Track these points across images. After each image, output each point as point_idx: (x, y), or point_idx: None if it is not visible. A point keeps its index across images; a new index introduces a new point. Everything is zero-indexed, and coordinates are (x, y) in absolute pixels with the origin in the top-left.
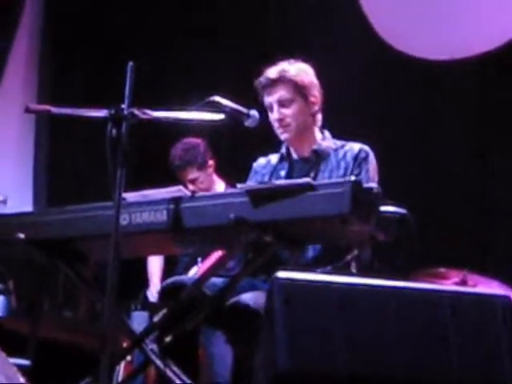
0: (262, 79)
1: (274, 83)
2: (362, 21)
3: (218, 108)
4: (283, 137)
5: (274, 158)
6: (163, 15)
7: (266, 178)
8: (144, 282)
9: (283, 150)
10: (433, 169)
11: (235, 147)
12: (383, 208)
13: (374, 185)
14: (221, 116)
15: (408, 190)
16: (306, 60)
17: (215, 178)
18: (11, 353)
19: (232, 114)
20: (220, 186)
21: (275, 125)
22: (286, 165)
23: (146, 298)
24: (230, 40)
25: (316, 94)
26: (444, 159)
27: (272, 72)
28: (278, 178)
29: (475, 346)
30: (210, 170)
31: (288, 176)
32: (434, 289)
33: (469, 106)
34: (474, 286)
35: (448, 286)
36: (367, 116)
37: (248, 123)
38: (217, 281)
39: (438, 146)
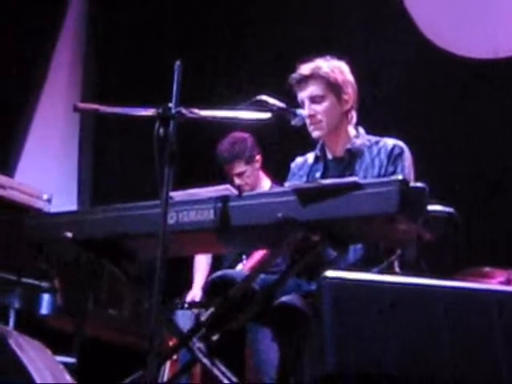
0: (295, 75)
1: (306, 79)
2: (404, 18)
3: (264, 107)
4: (314, 134)
5: (311, 157)
6: (208, 15)
7: (304, 180)
8: (188, 281)
9: (318, 149)
10: (479, 167)
11: (281, 145)
12: (430, 207)
13: (421, 184)
14: (267, 115)
15: (453, 189)
16: (343, 57)
17: (261, 174)
18: (57, 351)
19: (279, 113)
20: (266, 182)
21: (307, 122)
22: (320, 166)
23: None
24: (272, 40)
25: (349, 91)
26: (490, 157)
27: (305, 68)
28: (314, 179)
29: None
30: (257, 165)
31: (323, 177)
32: (482, 289)
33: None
34: None
35: (493, 285)
36: (410, 113)
37: (295, 122)
38: (265, 277)
39: (483, 145)
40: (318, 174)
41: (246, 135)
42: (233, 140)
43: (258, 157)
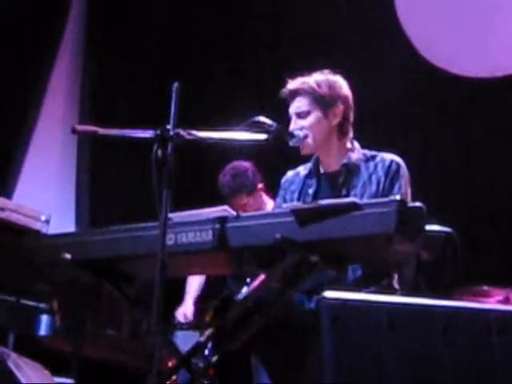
0: (283, 90)
1: (293, 94)
2: (401, 37)
3: (262, 128)
4: (302, 151)
5: (302, 171)
6: (205, 38)
7: (296, 195)
8: (179, 298)
9: (311, 164)
10: (476, 187)
11: (280, 165)
12: (428, 227)
13: (418, 204)
14: (265, 136)
15: (451, 209)
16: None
17: (265, 198)
18: (56, 372)
19: (276, 134)
20: (270, 205)
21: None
22: (313, 181)
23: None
24: (269, 62)
25: (339, 106)
26: (487, 176)
27: (292, 83)
28: (306, 195)
29: None
30: (260, 192)
31: (316, 194)
32: (481, 308)
33: (509, 122)
34: None
35: (492, 304)
36: (405, 132)
37: (292, 143)
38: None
39: (480, 165)
40: (311, 191)
41: (248, 165)
42: (234, 172)
43: (260, 185)
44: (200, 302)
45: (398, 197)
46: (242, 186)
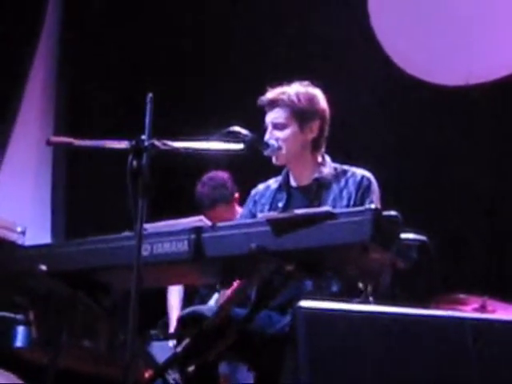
0: (262, 98)
1: (271, 104)
2: (374, 46)
3: (237, 138)
4: (274, 161)
5: (273, 184)
6: (178, 47)
7: (266, 208)
8: (163, 312)
9: (281, 177)
10: (449, 194)
11: (253, 174)
12: (403, 235)
13: (393, 212)
14: (240, 146)
15: (425, 217)
16: (315, 84)
17: (237, 208)
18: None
19: (251, 144)
20: None
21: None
22: (284, 194)
23: (167, 327)
24: (241, 71)
25: (316, 120)
26: (460, 183)
27: (272, 93)
28: (276, 209)
29: (498, 373)
30: (235, 203)
31: (286, 206)
32: (456, 316)
33: (483, 130)
34: (493, 311)
35: (468, 312)
36: (378, 140)
37: (267, 152)
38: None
39: (454, 171)
40: (280, 204)
41: (225, 176)
42: (214, 184)
43: (236, 195)
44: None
45: (373, 206)
46: (221, 197)
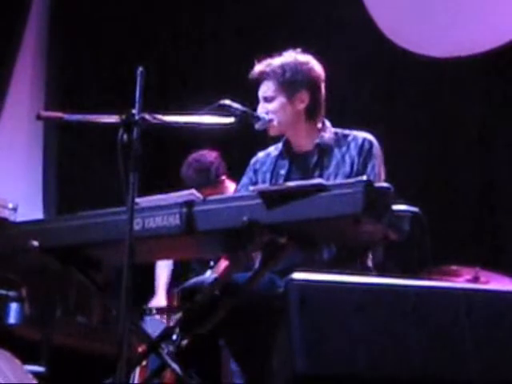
0: (251, 73)
1: (259, 78)
2: (364, 18)
3: (227, 111)
4: (269, 132)
5: (273, 152)
6: (172, 20)
7: (268, 176)
8: (152, 287)
9: (281, 144)
10: (441, 166)
11: (246, 148)
12: (395, 207)
13: (386, 184)
14: (231, 119)
15: (418, 189)
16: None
17: (228, 184)
18: (26, 360)
19: (242, 117)
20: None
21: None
22: (286, 161)
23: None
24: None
25: (305, 91)
26: (452, 155)
27: (258, 67)
28: (278, 176)
29: (491, 344)
30: (224, 184)
31: (288, 174)
32: (450, 287)
33: (474, 102)
34: (486, 282)
35: (461, 283)
36: (369, 113)
37: (258, 126)
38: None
39: (445, 143)
40: (283, 171)
41: (212, 157)
42: (199, 167)
43: (223, 177)
44: (169, 286)
45: (364, 177)
46: (206, 182)
